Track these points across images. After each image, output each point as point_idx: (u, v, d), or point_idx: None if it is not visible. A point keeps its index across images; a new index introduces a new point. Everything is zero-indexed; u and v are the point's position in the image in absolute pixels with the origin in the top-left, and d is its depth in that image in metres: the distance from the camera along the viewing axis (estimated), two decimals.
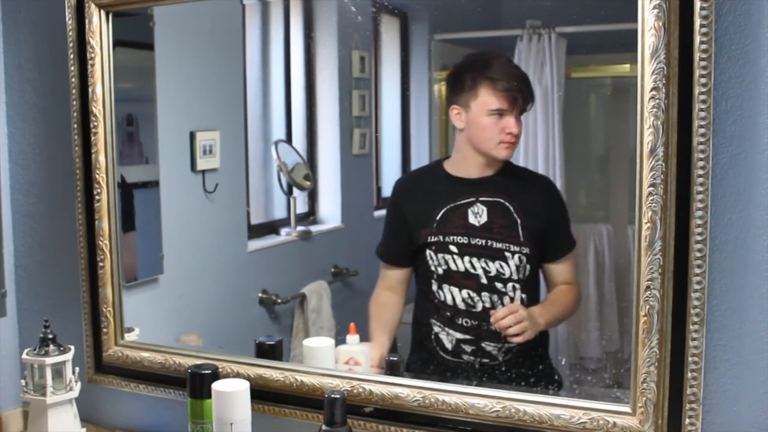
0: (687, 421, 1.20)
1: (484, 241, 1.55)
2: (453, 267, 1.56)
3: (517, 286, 1.54)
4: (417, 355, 1.65)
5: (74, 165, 1.70)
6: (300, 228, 1.93)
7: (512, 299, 1.54)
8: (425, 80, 1.77)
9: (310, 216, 1.95)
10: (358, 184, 1.91)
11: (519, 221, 1.53)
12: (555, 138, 1.56)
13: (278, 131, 1.96)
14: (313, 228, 1.94)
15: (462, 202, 1.56)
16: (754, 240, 1.16)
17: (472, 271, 1.55)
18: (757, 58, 1.13)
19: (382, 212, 1.73)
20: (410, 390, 1.40)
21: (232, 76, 1.86)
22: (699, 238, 1.16)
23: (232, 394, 1.37)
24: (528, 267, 1.54)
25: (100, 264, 1.68)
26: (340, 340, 1.60)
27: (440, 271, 1.58)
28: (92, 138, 1.66)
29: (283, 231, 1.93)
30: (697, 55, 1.13)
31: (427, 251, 1.58)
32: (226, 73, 1.86)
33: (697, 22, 1.12)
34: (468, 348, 1.57)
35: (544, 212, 1.56)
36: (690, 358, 1.18)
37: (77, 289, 1.73)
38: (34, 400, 1.54)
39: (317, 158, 1.92)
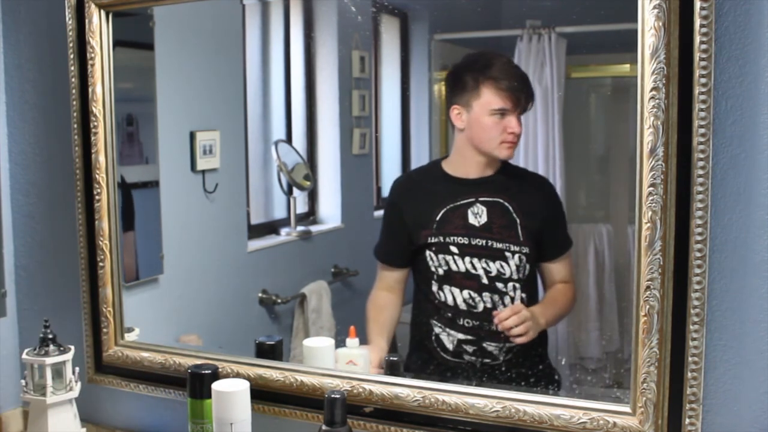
0: (687, 421, 1.20)
1: (484, 242, 1.54)
2: (454, 268, 1.56)
3: (518, 285, 1.54)
4: (416, 356, 1.65)
5: (74, 165, 1.70)
6: (300, 228, 1.93)
7: (513, 299, 1.54)
8: (425, 80, 1.77)
9: (310, 216, 1.95)
10: (358, 184, 1.91)
11: (518, 221, 1.53)
12: (555, 138, 1.56)
13: (278, 131, 1.96)
14: (313, 228, 1.94)
15: (462, 202, 1.56)
16: (754, 240, 1.16)
17: (473, 271, 1.55)
18: (757, 58, 1.13)
19: (382, 212, 1.73)
20: (410, 390, 1.40)
21: (232, 76, 1.86)
22: (699, 238, 1.16)
23: (232, 394, 1.37)
24: (527, 266, 1.54)
25: (100, 264, 1.68)
26: (340, 340, 1.60)
27: (441, 271, 1.58)
28: (92, 138, 1.66)
29: (283, 231, 1.93)
30: (697, 55, 1.13)
31: (427, 252, 1.58)
32: (226, 73, 1.86)
33: (697, 22, 1.12)
34: (469, 348, 1.57)
35: (542, 211, 1.56)
36: (690, 358, 1.18)
37: (77, 289, 1.73)
38: (34, 400, 1.54)
39: (317, 158, 1.92)
